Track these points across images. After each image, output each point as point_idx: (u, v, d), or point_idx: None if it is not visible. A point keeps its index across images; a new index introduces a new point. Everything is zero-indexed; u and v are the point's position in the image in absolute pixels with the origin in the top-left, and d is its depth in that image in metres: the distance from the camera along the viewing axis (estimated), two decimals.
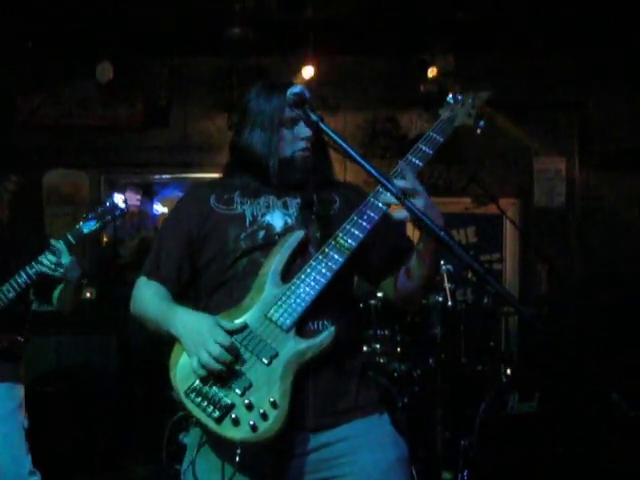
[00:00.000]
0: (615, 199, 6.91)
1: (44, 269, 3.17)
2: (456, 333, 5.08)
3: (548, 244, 6.97)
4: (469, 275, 5.23)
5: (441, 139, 2.19)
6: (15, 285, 3.19)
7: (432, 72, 6.39)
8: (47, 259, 3.17)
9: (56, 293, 3.40)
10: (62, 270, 3.18)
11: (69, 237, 3.24)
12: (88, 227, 3.28)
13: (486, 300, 5.39)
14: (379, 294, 5.07)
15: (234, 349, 1.94)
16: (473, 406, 4.72)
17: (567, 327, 6.50)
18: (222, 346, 1.92)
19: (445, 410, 4.78)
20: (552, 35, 6.31)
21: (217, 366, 1.92)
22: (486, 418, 4.63)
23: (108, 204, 3.33)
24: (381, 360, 5.15)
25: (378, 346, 5.07)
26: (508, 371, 5.13)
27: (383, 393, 4.74)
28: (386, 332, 5.18)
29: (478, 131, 2.31)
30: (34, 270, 3.20)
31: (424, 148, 2.16)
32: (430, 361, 5.04)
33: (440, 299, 5.05)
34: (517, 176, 7.14)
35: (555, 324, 5.96)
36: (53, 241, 3.19)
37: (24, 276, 3.20)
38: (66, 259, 3.18)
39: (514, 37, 6.38)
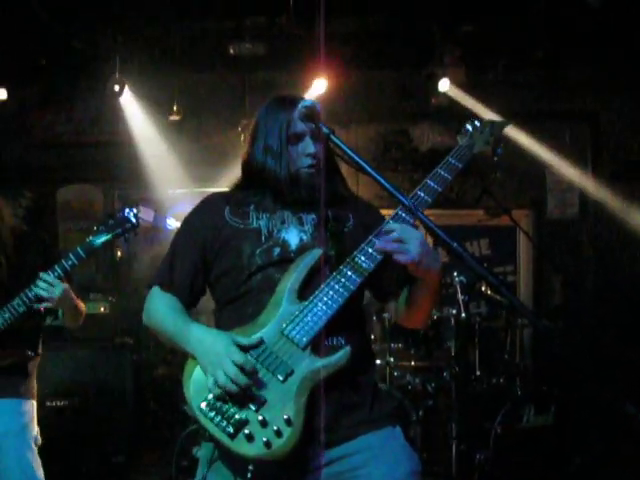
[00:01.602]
0: (628, 209, 6.87)
1: (36, 295, 3.17)
2: (470, 346, 5.06)
3: (562, 255, 6.95)
4: (483, 288, 5.21)
5: (460, 165, 2.22)
6: (25, 299, 3.19)
7: (443, 85, 6.39)
8: (39, 289, 3.15)
9: (60, 312, 3.40)
10: (55, 299, 3.17)
11: (79, 250, 3.23)
12: (98, 239, 3.27)
13: (500, 313, 5.38)
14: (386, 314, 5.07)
15: (251, 369, 1.94)
16: (488, 420, 4.70)
17: (582, 338, 6.46)
18: (239, 367, 1.92)
19: (460, 424, 4.76)
20: (564, 46, 6.31)
21: (234, 387, 1.91)
22: (501, 431, 4.61)
23: (119, 217, 3.32)
24: (395, 374, 5.14)
25: (392, 359, 5.06)
26: (523, 384, 5.10)
27: (397, 407, 4.71)
28: (400, 345, 5.17)
29: (495, 159, 2.33)
30: (25, 300, 3.19)
31: (443, 173, 2.18)
32: (444, 374, 5.03)
33: (454, 312, 5.04)
34: (530, 188, 7.13)
35: (570, 335, 5.93)
36: (43, 274, 3.17)
37: (34, 290, 3.19)
38: (58, 290, 3.17)
39: (525, 48, 6.38)
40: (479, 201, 5.46)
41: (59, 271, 3.20)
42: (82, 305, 3.46)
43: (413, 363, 5.15)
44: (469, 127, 2.32)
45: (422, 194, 2.12)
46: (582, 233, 7.11)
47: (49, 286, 3.14)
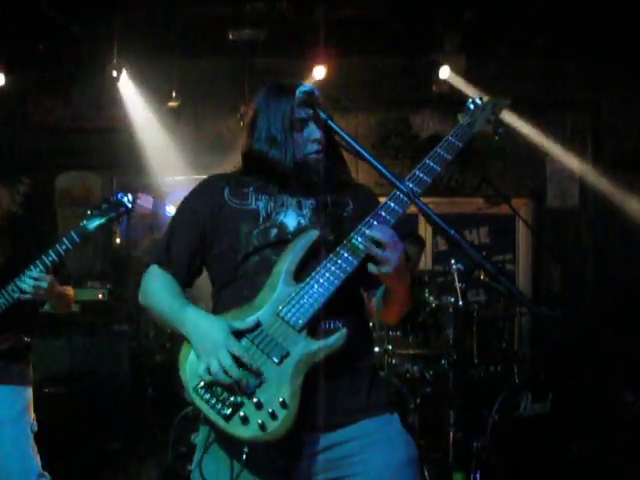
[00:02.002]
0: (628, 199, 6.86)
1: (22, 289, 3.15)
2: (468, 334, 5.06)
3: (561, 245, 6.94)
4: (482, 276, 5.20)
5: (460, 144, 2.18)
6: (16, 289, 3.16)
7: (444, 72, 6.37)
8: (25, 284, 3.13)
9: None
10: (41, 292, 3.15)
11: (73, 235, 3.21)
12: (92, 224, 3.25)
13: (499, 301, 5.37)
14: None
15: (248, 361, 1.92)
16: (486, 407, 4.70)
17: (580, 327, 6.46)
18: (234, 357, 1.91)
19: (457, 411, 4.76)
20: (566, 35, 6.28)
21: (227, 379, 1.90)
22: (499, 419, 4.62)
23: (113, 201, 3.30)
24: (393, 361, 5.13)
25: (390, 347, 5.05)
26: (521, 372, 5.10)
27: (395, 394, 4.73)
28: (398, 333, 5.16)
29: (496, 138, 2.30)
30: (15, 294, 3.17)
31: (442, 153, 2.14)
32: (442, 362, 5.03)
33: (452, 300, 5.03)
34: (530, 177, 7.11)
35: (568, 325, 5.93)
36: (28, 271, 3.14)
37: (19, 285, 3.16)
38: (44, 284, 3.14)
39: (527, 37, 6.36)
40: (478, 189, 5.44)
41: (47, 261, 3.17)
42: (70, 292, 3.44)
43: (411, 351, 5.15)
44: (470, 105, 2.29)
45: (420, 174, 2.09)
46: (581, 223, 7.10)
47: (34, 281, 3.13)
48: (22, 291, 3.14)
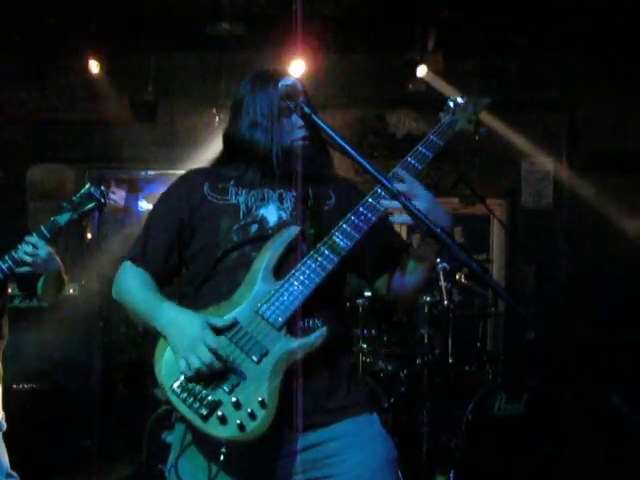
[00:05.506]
0: (602, 201, 6.90)
1: (20, 258, 3.03)
2: (443, 333, 5.05)
3: (535, 245, 6.97)
4: (457, 276, 5.20)
5: (441, 143, 2.18)
6: (7, 265, 3.06)
7: (421, 71, 6.37)
8: (22, 251, 3.03)
9: (40, 284, 3.28)
10: (39, 261, 3.05)
11: (43, 230, 3.10)
12: (63, 219, 3.15)
13: (473, 301, 5.38)
14: (367, 293, 5.03)
15: (225, 352, 1.89)
16: (460, 407, 4.69)
17: (554, 328, 6.48)
18: (213, 351, 1.87)
19: (432, 411, 4.75)
20: (541, 37, 6.31)
21: (207, 371, 1.86)
22: (473, 419, 4.61)
23: (85, 195, 3.20)
24: (367, 360, 5.11)
25: (364, 346, 5.04)
26: (495, 372, 5.11)
27: (369, 393, 4.70)
28: (373, 332, 5.15)
29: (477, 138, 2.30)
30: (7, 265, 3.06)
31: (424, 151, 2.14)
32: (417, 361, 5.01)
33: (427, 299, 5.02)
34: (505, 177, 7.13)
35: (542, 325, 5.95)
36: (27, 237, 3.06)
37: (18, 255, 3.06)
38: (43, 252, 3.05)
39: (502, 38, 6.38)
40: (454, 189, 5.45)
41: (45, 232, 3.08)
42: (65, 276, 3.34)
43: (386, 349, 5.14)
44: (451, 104, 2.28)
45: (402, 172, 2.07)
46: (556, 223, 7.13)
47: (33, 248, 3.02)
48: (21, 261, 3.03)
